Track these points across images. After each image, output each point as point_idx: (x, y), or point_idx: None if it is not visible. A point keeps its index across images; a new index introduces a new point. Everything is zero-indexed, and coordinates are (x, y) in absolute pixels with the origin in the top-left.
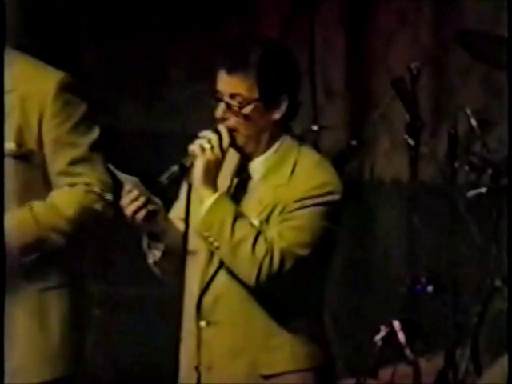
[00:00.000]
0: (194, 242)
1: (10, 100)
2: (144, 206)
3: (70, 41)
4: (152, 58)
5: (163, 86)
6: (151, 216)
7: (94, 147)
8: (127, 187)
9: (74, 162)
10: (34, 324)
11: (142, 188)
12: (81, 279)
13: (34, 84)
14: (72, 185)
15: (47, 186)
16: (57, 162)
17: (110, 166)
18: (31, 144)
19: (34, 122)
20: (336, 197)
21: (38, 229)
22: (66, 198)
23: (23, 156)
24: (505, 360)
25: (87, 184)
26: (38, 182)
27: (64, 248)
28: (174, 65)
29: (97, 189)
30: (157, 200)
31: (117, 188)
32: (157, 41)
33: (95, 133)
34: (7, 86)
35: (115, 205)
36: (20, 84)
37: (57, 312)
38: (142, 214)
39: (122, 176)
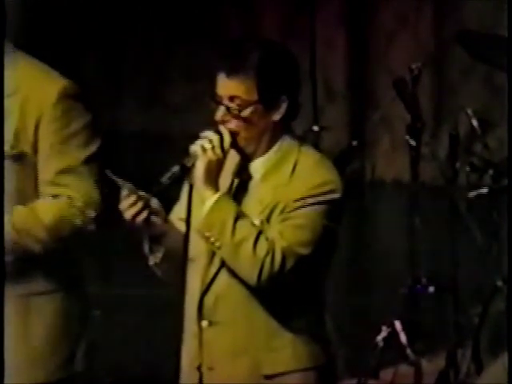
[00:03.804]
0: (194, 244)
1: (12, 102)
2: (143, 209)
3: (71, 41)
4: (152, 58)
5: (163, 86)
6: (150, 219)
7: (88, 161)
8: (125, 192)
9: (61, 172)
10: (19, 328)
11: (140, 193)
12: (74, 283)
13: (36, 88)
14: (56, 196)
15: (36, 192)
16: (46, 169)
17: (108, 172)
18: (25, 147)
19: (31, 126)
20: (337, 195)
21: (15, 233)
22: (46, 207)
23: (15, 157)
24: (505, 358)
25: (70, 197)
26: (29, 187)
27: (49, 253)
28: (174, 65)
29: (79, 203)
30: (156, 203)
31: (114, 192)
32: (157, 41)
33: (93, 146)
34: (11, 87)
35: (114, 209)
36: (23, 87)
37: (43, 317)
38: (141, 217)
39: (119, 181)
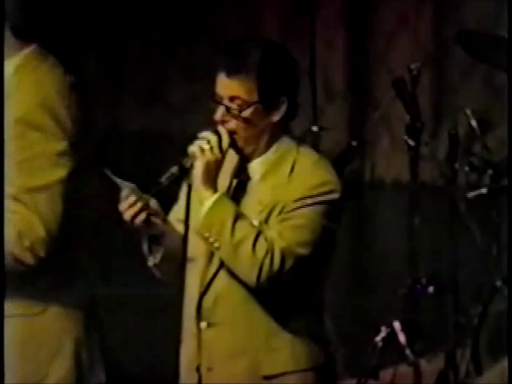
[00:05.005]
0: (193, 244)
1: (9, 101)
2: (142, 210)
3: (71, 41)
4: (152, 58)
5: (163, 86)
6: (149, 220)
7: (33, 190)
8: (124, 192)
9: (8, 197)
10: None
11: (139, 193)
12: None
13: (14, 100)
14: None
15: None
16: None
17: (107, 171)
18: None
19: None
20: (335, 195)
21: None
22: None
23: None
24: (505, 361)
25: (14, 224)
26: None
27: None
28: (174, 65)
29: (16, 230)
30: (155, 204)
31: (114, 193)
32: (157, 41)
33: (46, 176)
34: (11, 86)
35: (114, 209)
36: (13, 92)
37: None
38: (140, 218)
39: (118, 181)
